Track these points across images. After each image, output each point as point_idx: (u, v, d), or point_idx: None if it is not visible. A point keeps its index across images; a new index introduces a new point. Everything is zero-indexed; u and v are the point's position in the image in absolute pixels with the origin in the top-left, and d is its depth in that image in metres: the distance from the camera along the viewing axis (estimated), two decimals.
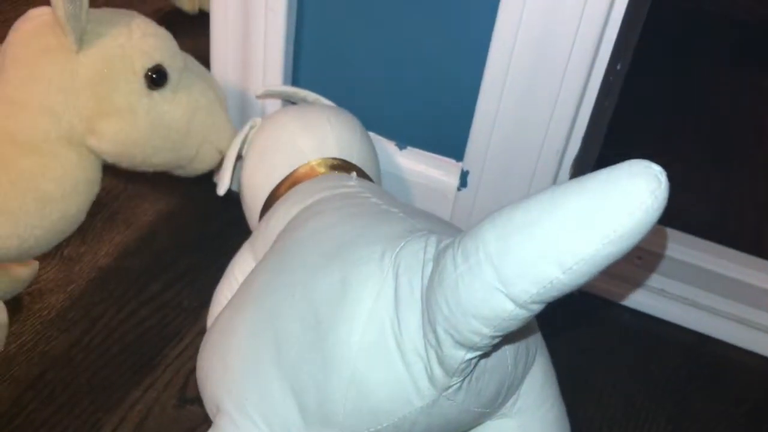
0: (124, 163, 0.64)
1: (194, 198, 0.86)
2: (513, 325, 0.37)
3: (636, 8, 0.67)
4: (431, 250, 0.42)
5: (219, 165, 0.71)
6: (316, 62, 0.80)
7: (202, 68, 0.69)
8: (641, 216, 0.32)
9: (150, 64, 0.61)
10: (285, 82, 0.79)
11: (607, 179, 0.33)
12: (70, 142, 0.60)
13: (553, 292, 0.35)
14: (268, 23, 0.74)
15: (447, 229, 0.48)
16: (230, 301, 0.53)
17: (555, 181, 0.72)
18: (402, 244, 0.44)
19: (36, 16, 0.60)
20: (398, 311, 0.42)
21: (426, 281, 0.41)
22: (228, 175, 0.69)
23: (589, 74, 0.65)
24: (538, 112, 0.68)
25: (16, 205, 0.58)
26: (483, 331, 0.37)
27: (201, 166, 0.70)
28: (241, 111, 0.82)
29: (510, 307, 0.36)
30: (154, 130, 0.63)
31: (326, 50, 0.79)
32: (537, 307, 0.36)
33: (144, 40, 0.61)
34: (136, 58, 0.60)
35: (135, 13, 0.63)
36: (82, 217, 0.63)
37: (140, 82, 0.61)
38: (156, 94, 0.62)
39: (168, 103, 0.63)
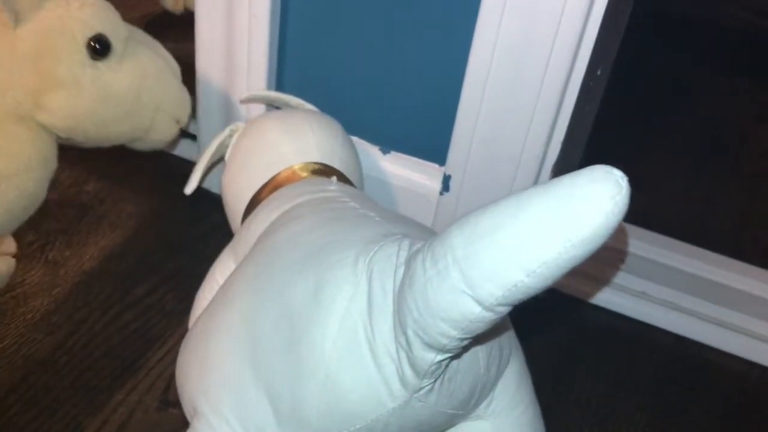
0: (79, 137, 0.63)
1: (179, 201, 0.86)
2: (480, 328, 0.38)
3: (616, 13, 0.68)
4: (404, 254, 0.43)
5: (178, 137, 0.71)
6: (299, 67, 0.80)
7: (149, 38, 0.68)
8: (602, 220, 0.33)
9: (91, 33, 0.60)
10: (269, 87, 0.80)
11: (570, 184, 0.34)
12: (20, 119, 0.60)
13: (519, 295, 0.35)
14: (252, 29, 0.75)
15: (422, 234, 0.49)
16: (209, 304, 0.54)
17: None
18: (376, 248, 0.45)
19: None
20: (371, 315, 0.42)
21: (398, 285, 0.41)
22: (198, 175, 0.70)
23: (568, 79, 0.66)
24: (518, 118, 0.69)
25: None
26: (451, 334, 0.38)
27: (159, 137, 0.69)
28: (224, 115, 0.82)
29: (476, 309, 0.36)
30: (102, 100, 0.62)
31: (309, 55, 0.79)
32: (504, 309, 0.37)
33: (83, 11, 0.60)
34: (77, 29, 0.60)
35: None
36: (42, 194, 0.63)
37: (82, 53, 0.60)
38: (100, 65, 0.61)
39: (114, 72, 0.62)
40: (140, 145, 0.69)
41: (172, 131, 0.70)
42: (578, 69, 0.66)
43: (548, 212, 0.34)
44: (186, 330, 0.73)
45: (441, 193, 0.77)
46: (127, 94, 0.64)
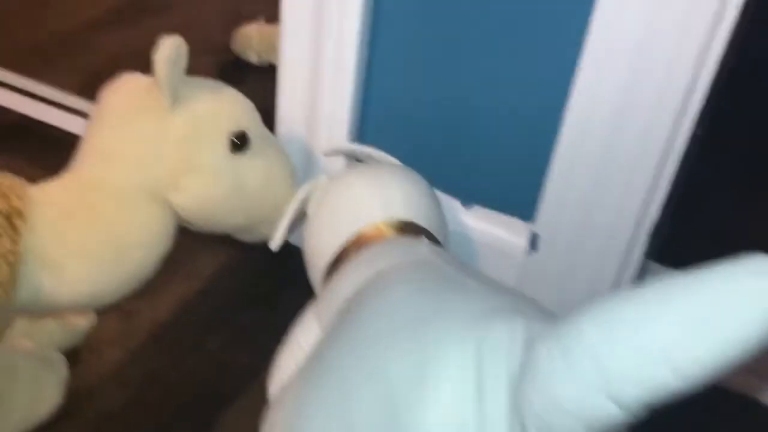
0: (199, 221, 0.66)
1: (253, 250, 0.84)
2: (614, 428, 0.34)
3: (721, 71, 0.64)
4: (519, 337, 0.39)
5: None
6: (381, 119, 0.79)
7: (276, 140, 0.72)
8: (766, 319, 0.29)
9: (235, 128, 0.64)
10: (350, 140, 0.78)
11: (727, 277, 0.30)
12: (153, 196, 0.62)
13: (663, 396, 0.32)
14: (337, 81, 0.74)
15: (532, 310, 0.45)
16: (299, 374, 0.51)
17: (632, 248, 0.69)
18: (485, 326, 0.41)
19: (130, 79, 0.65)
20: (482, 402, 0.39)
21: (514, 371, 0.38)
22: (283, 231, 0.68)
23: (674, 136, 0.63)
24: (618, 175, 0.65)
25: (94, 250, 0.59)
26: None
27: (266, 231, 0.71)
28: (305, 167, 0.81)
29: (612, 409, 0.33)
30: (233, 191, 0.65)
31: (391, 107, 0.78)
32: (643, 410, 0.33)
33: (232, 107, 0.64)
34: (224, 123, 0.63)
35: (223, 84, 0.67)
36: (153, 270, 0.64)
37: (225, 145, 0.63)
38: (237, 158, 0.64)
39: (247, 168, 0.65)
40: (246, 236, 0.72)
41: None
42: (685, 125, 0.62)
43: (702, 307, 0.30)
44: (260, 387, 0.71)
45: (528, 252, 0.74)
46: (255, 190, 0.67)
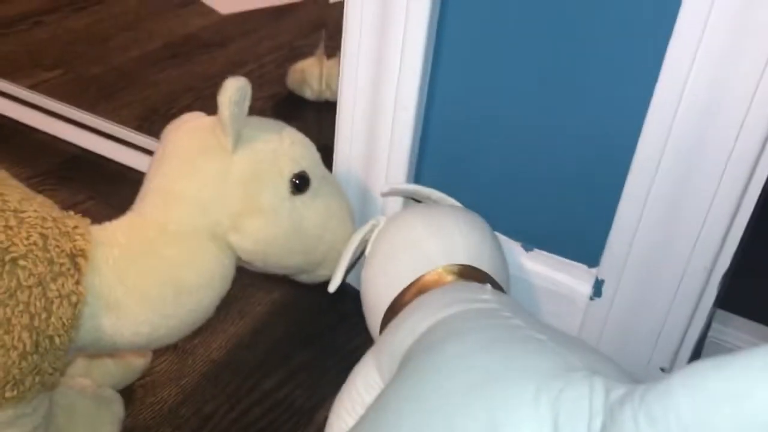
0: (258, 262, 0.65)
1: (307, 289, 0.84)
2: None
3: None
4: (599, 399, 0.38)
5: None
6: (440, 159, 0.78)
7: (335, 180, 0.71)
8: None
9: (296, 170, 0.63)
10: (408, 180, 0.77)
11: None
12: (214, 237, 0.61)
13: None
14: (397, 120, 0.73)
15: (608, 368, 0.43)
16: (358, 425, 0.50)
17: (701, 297, 0.66)
18: (560, 385, 0.40)
19: (192, 117, 0.65)
20: None
21: None
22: (341, 272, 0.67)
23: (747, 186, 0.60)
24: (688, 224, 0.63)
25: (155, 291, 0.59)
26: None
27: (324, 273, 0.70)
28: (361, 207, 0.80)
29: None
30: (293, 232, 0.64)
31: (452, 147, 0.77)
32: None
33: (293, 148, 0.64)
34: (285, 164, 0.63)
35: (284, 124, 0.66)
36: (212, 311, 0.64)
37: (285, 186, 0.63)
38: (297, 199, 0.64)
39: (307, 209, 0.65)
40: (305, 278, 0.71)
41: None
42: (759, 173, 0.60)
43: None
44: (316, 430, 0.70)
45: (591, 299, 0.71)
46: (314, 231, 0.66)
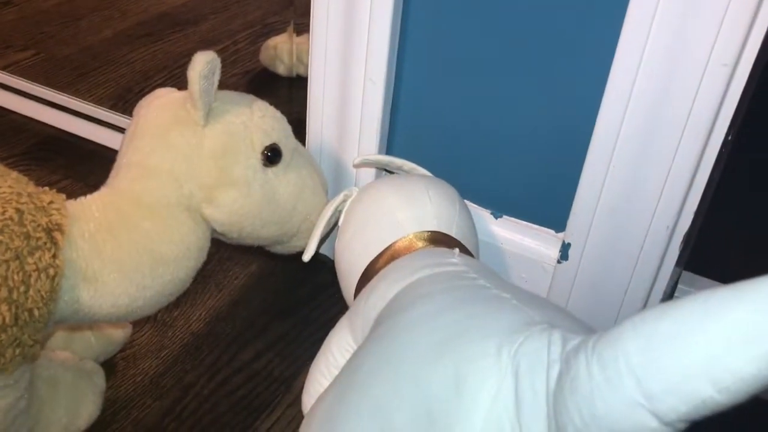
0: (233, 233, 0.66)
1: (285, 261, 0.85)
2: None
3: (754, 74, 0.64)
4: (556, 350, 0.39)
5: None
6: (411, 130, 0.79)
7: (307, 152, 0.72)
8: None
9: (267, 142, 0.65)
10: (380, 151, 0.78)
11: (766, 291, 0.30)
12: (188, 209, 0.62)
13: (705, 411, 0.32)
14: (367, 93, 0.74)
15: (567, 322, 0.45)
16: (332, 386, 0.51)
17: (664, 256, 0.69)
18: (521, 339, 0.42)
19: (164, 93, 0.66)
20: (519, 415, 0.39)
21: (552, 385, 0.38)
22: (315, 242, 0.69)
23: (706, 143, 0.62)
24: (650, 185, 0.65)
25: (132, 264, 0.60)
26: None
27: (299, 243, 0.72)
28: (335, 179, 0.81)
29: (653, 424, 0.33)
30: (266, 204, 0.66)
31: (422, 118, 0.78)
32: (683, 425, 0.33)
33: (263, 120, 0.65)
34: (256, 136, 0.64)
35: (254, 97, 0.67)
36: (188, 282, 0.65)
37: (257, 158, 0.64)
38: (270, 171, 0.65)
39: (279, 180, 0.66)
40: (279, 249, 0.73)
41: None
42: (717, 134, 0.62)
43: (747, 321, 0.30)
44: (294, 398, 0.72)
45: (558, 262, 0.74)
46: (288, 202, 0.67)
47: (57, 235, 0.56)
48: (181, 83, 0.62)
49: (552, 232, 0.76)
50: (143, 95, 0.67)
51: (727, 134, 0.63)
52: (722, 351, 0.31)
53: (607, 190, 0.67)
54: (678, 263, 0.71)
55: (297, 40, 1.18)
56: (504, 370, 0.41)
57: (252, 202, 0.65)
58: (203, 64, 0.59)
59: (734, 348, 0.30)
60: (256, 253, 0.88)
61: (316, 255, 0.70)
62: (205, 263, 0.66)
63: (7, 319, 0.53)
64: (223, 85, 0.66)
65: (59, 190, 0.60)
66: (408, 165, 0.75)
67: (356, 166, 0.78)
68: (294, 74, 1.19)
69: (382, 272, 0.61)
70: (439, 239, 0.64)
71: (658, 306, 0.34)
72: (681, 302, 0.33)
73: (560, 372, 0.38)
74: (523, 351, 0.41)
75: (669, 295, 0.77)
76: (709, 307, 0.32)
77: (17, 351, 0.55)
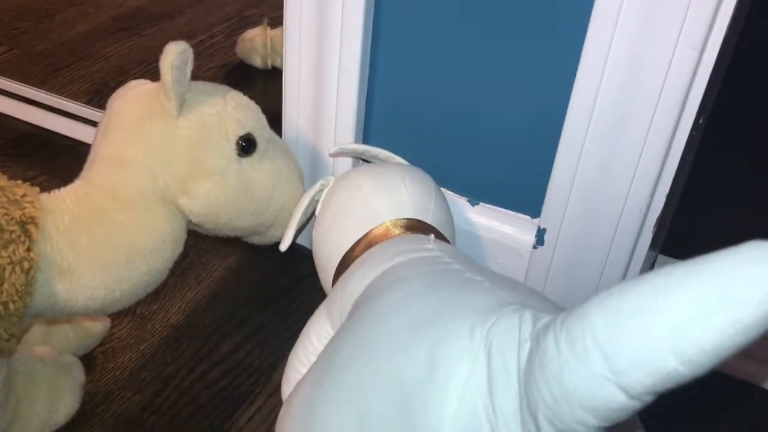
0: (209, 224, 0.66)
1: (263, 253, 0.85)
2: (623, 416, 0.35)
3: (722, 59, 0.65)
4: (527, 329, 0.40)
5: None
6: (386, 119, 0.79)
7: (283, 142, 0.72)
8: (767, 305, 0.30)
9: (242, 132, 0.65)
10: (356, 140, 0.79)
11: (731, 264, 0.31)
12: (163, 200, 0.62)
13: (670, 383, 0.32)
14: (342, 83, 0.74)
15: (539, 302, 0.46)
16: (310, 372, 0.52)
17: (638, 239, 0.69)
18: (493, 319, 0.42)
19: (137, 84, 0.66)
20: (492, 394, 0.40)
21: (523, 363, 0.39)
22: (292, 232, 0.69)
23: (676, 128, 0.63)
24: (621, 169, 0.66)
25: (108, 256, 0.60)
26: (590, 422, 0.35)
27: (276, 233, 0.72)
28: (312, 169, 0.81)
29: (621, 398, 0.33)
30: (242, 194, 0.65)
31: (397, 107, 0.78)
32: (650, 398, 0.34)
33: (237, 111, 0.65)
34: (230, 126, 0.64)
35: (228, 87, 0.67)
36: (165, 274, 0.65)
37: (231, 149, 0.64)
38: (245, 161, 0.65)
39: (254, 170, 0.66)
40: (257, 239, 0.73)
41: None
42: (686, 117, 0.63)
43: (706, 295, 0.31)
44: (274, 388, 0.72)
45: (534, 247, 0.74)
46: (263, 192, 0.67)
47: (31, 228, 0.56)
48: (158, 77, 0.62)
49: (528, 218, 0.77)
50: (120, 89, 0.67)
51: (697, 118, 0.64)
52: (685, 323, 0.31)
53: (580, 175, 0.68)
54: (653, 246, 0.72)
55: (271, 33, 1.18)
56: (477, 351, 0.41)
57: (227, 193, 0.64)
58: (175, 55, 0.58)
59: (696, 320, 0.31)
60: (235, 245, 0.88)
61: (294, 245, 0.70)
62: (184, 256, 0.67)
63: None
64: (200, 78, 0.66)
65: (36, 186, 0.60)
66: (384, 154, 0.75)
67: (332, 155, 0.78)
68: (270, 66, 1.19)
69: (359, 260, 0.62)
70: (415, 226, 0.65)
71: (623, 282, 0.35)
72: (645, 277, 0.34)
73: (530, 350, 0.38)
74: (495, 331, 0.41)
75: None
76: (672, 280, 0.32)
77: None
